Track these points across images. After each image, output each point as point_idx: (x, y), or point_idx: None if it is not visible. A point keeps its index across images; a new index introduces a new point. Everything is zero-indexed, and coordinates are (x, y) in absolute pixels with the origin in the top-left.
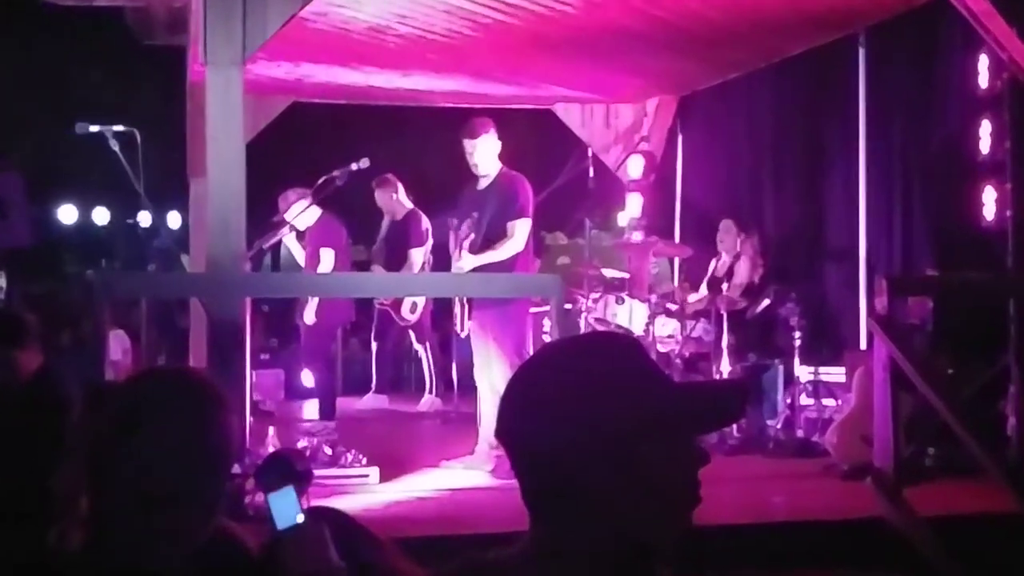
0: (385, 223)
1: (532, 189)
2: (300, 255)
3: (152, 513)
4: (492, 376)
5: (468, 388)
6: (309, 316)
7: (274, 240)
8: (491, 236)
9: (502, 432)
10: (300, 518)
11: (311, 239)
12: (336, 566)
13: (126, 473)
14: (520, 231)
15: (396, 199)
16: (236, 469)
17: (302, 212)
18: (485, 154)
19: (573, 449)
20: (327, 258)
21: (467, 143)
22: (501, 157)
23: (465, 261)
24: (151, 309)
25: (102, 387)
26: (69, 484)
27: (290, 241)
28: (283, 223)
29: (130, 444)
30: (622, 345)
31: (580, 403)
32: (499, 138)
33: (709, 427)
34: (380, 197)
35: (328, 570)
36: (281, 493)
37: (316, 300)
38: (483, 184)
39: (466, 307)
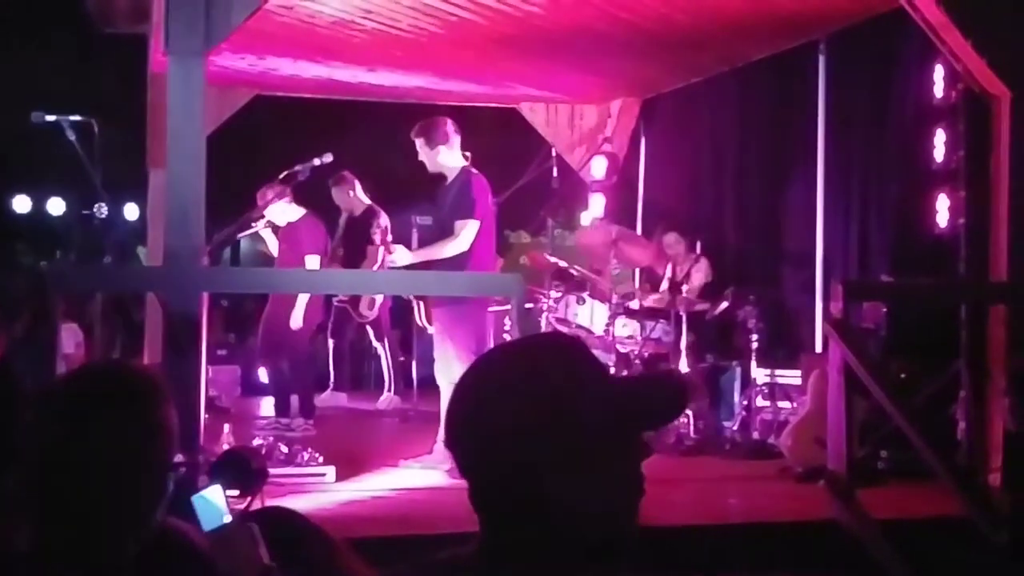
0: (343, 220)
1: (491, 191)
2: (274, 245)
3: (98, 511)
4: (452, 375)
5: (427, 386)
6: (296, 321)
7: (248, 233)
8: (441, 234)
9: (450, 436)
10: (227, 518)
11: (290, 239)
12: (266, 566)
13: (72, 472)
14: (465, 231)
15: (353, 196)
16: (179, 458)
17: (283, 211)
18: (427, 155)
19: (521, 451)
20: (312, 264)
21: (415, 142)
22: (469, 156)
23: (398, 255)
24: (106, 302)
25: (48, 387)
26: (17, 486)
27: (266, 234)
28: (260, 217)
29: (74, 444)
30: (565, 347)
31: (526, 406)
32: (462, 136)
33: (652, 426)
34: (337, 195)
35: (257, 569)
36: (207, 493)
37: (303, 305)
38: (447, 182)
39: (421, 303)
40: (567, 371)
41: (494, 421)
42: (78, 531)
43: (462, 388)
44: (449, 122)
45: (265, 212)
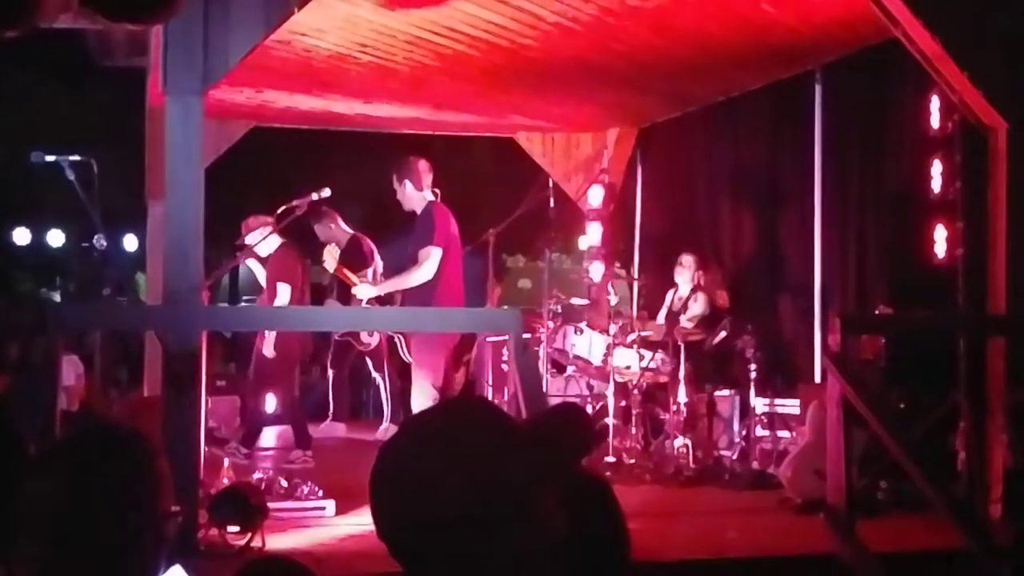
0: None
1: (450, 221)
2: (263, 276)
3: (107, 567)
4: (416, 404)
5: None
6: (268, 349)
7: (233, 265)
8: (409, 264)
9: (372, 508)
10: None
11: (268, 271)
12: None
13: (78, 534)
14: (428, 259)
15: (336, 228)
16: (175, 508)
17: (262, 240)
18: (399, 191)
19: (435, 517)
20: (283, 293)
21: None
22: (438, 193)
23: (359, 289)
24: (105, 335)
25: (46, 453)
26: (21, 549)
27: (253, 265)
28: (244, 248)
29: (79, 506)
30: (470, 410)
31: (434, 472)
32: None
33: (565, 468)
34: (320, 231)
35: None
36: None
37: (274, 334)
38: (417, 217)
39: (401, 337)
40: (472, 432)
41: (409, 490)
42: None
43: (379, 463)
44: (421, 161)
45: (247, 241)
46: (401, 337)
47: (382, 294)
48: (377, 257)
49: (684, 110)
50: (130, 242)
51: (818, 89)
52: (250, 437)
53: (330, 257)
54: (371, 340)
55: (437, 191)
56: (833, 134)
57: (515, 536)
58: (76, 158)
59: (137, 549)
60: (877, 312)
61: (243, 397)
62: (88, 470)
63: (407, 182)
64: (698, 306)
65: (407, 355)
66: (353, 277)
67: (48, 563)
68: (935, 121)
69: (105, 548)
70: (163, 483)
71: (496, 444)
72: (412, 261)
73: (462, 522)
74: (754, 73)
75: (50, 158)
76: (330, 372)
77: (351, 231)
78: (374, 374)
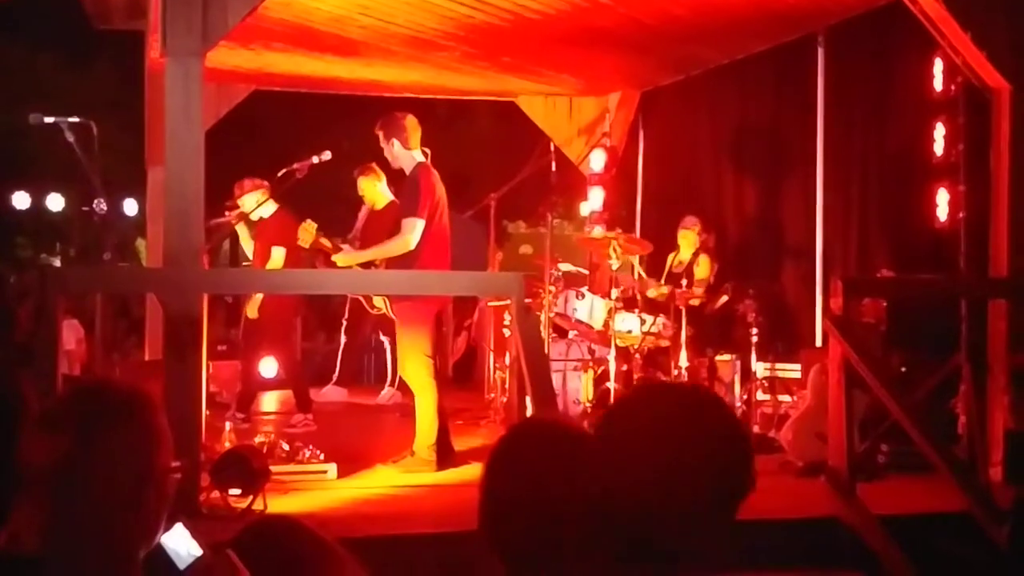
0: (363, 213)
1: (436, 186)
2: (249, 246)
3: (110, 523)
4: (404, 370)
5: None
6: (252, 311)
7: (218, 221)
8: (396, 231)
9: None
10: (197, 551)
11: (262, 234)
12: None
13: (82, 490)
14: (409, 229)
15: (379, 189)
16: (176, 463)
17: (259, 205)
18: (387, 150)
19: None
20: (277, 256)
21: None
22: (428, 153)
23: (340, 256)
24: (106, 299)
25: (47, 411)
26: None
27: (241, 231)
28: (233, 207)
29: (82, 462)
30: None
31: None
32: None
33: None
34: (363, 184)
35: None
36: (171, 534)
37: (259, 296)
38: (405, 178)
39: (386, 299)
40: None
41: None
42: (91, 544)
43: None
44: (407, 118)
45: (240, 202)
46: (387, 301)
47: (361, 261)
48: None
49: (687, 74)
50: (130, 207)
51: (820, 52)
52: (245, 401)
53: (305, 234)
54: (381, 306)
55: (427, 151)
56: (835, 97)
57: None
58: (75, 119)
59: (140, 506)
60: (879, 276)
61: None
62: (91, 426)
63: (394, 140)
64: (702, 269)
65: (392, 315)
66: (330, 246)
67: (50, 523)
68: (938, 84)
69: (108, 505)
70: (164, 440)
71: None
72: (397, 227)
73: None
74: (757, 36)
75: (49, 119)
76: (343, 337)
77: (392, 197)
78: (382, 338)
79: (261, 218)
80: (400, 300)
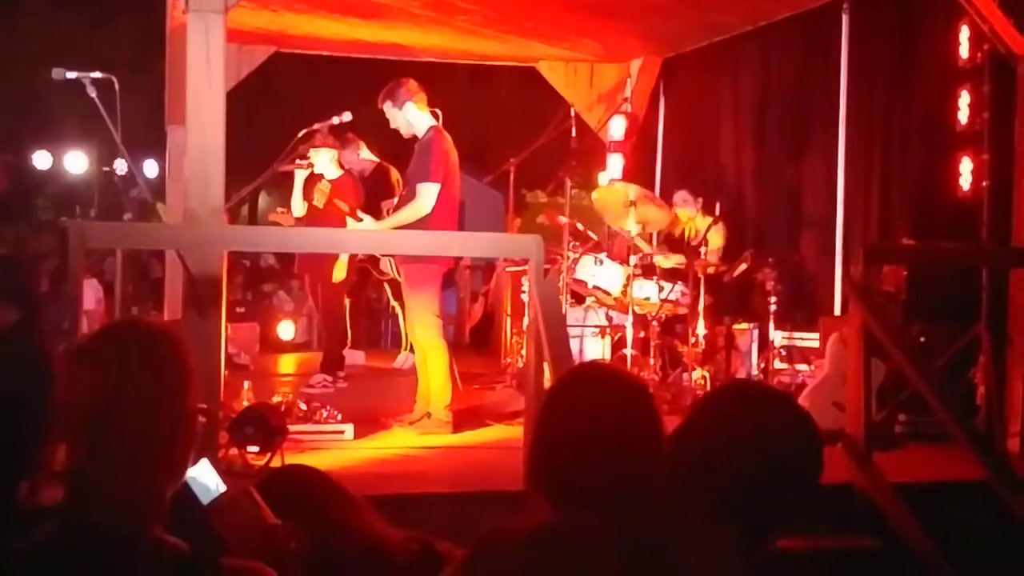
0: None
1: (449, 151)
2: (299, 202)
3: (141, 460)
4: (412, 332)
5: None
6: (340, 273)
7: (286, 168)
8: (409, 198)
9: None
10: (221, 487)
11: (335, 194)
12: (271, 525)
13: (116, 425)
14: (425, 194)
15: (361, 158)
16: (202, 406)
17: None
18: (396, 118)
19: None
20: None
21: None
22: (439, 115)
23: (359, 225)
24: (125, 259)
25: (80, 345)
26: (56, 444)
27: (297, 184)
28: (303, 157)
29: (116, 397)
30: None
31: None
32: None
33: None
34: (346, 157)
35: (262, 530)
36: (197, 469)
37: (345, 258)
38: (417, 142)
39: (392, 260)
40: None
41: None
42: (123, 481)
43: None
44: (411, 81)
45: (311, 156)
46: (392, 261)
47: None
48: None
49: (710, 39)
50: (150, 167)
51: (845, 19)
52: (333, 361)
53: (319, 194)
54: (388, 271)
55: (438, 112)
56: (859, 65)
57: None
58: (98, 75)
59: (172, 443)
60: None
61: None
62: (125, 360)
63: (409, 104)
64: (718, 237)
65: (398, 276)
66: (347, 209)
67: (84, 461)
68: (964, 51)
69: (143, 441)
70: (195, 379)
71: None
72: (411, 193)
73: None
74: (781, 2)
75: (71, 74)
76: (346, 300)
77: (375, 159)
78: (392, 303)
79: (332, 179)
80: (408, 262)
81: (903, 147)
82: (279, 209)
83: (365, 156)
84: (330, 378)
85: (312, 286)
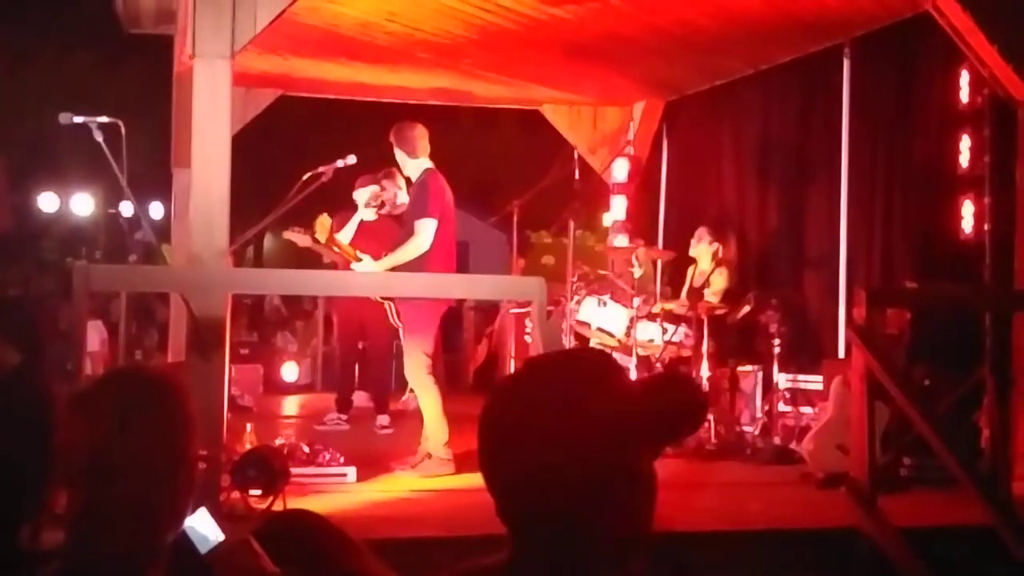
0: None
1: (445, 190)
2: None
3: (141, 506)
4: (409, 374)
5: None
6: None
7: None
8: (407, 236)
9: (481, 457)
10: (219, 536)
11: (367, 236)
12: (270, 574)
13: (116, 472)
14: (423, 230)
15: (398, 195)
16: (203, 452)
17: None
18: (400, 158)
19: (549, 473)
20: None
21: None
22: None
23: (358, 266)
24: (130, 301)
25: (81, 391)
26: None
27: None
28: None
29: (117, 443)
30: (593, 364)
31: (554, 428)
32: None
33: (673, 442)
34: (387, 187)
35: None
36: (194, 518)
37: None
38: (414, 184)
39: (391, 304)
40: (595, 392)
41: (522, 442)
42: (123, 527)
43: (492, 409)
44: (417, 126)
45: (356, 194)
46: (391, 305)
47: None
48: None
49: (712, 83)
50: (155, 209)
51: (846, 63)
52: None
53: (321, 228)
54: (390, 315)
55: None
56: (861, 108)
57: (622, 496)
58: (104, 119)
59: (171, 490)
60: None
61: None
62: (125, 408)
63: (406, 149)
64: (721, 280)
65: (396, 321)
66: (349, 250)
67: (84, 508)
68: (964, 95)
69: (142, 489)
70: (195, 426)
71: (615, 406)
72: (408, 232)
73: (576, 481)
74: (782, 46)
75: (79, 119)
76: (360, 343)
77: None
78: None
79: (369, 221)
80: (405, 306)
81: (905, 190)
82: (295, 228)
83: (401, 197)
84: (344, 417)
85: (345, 326)
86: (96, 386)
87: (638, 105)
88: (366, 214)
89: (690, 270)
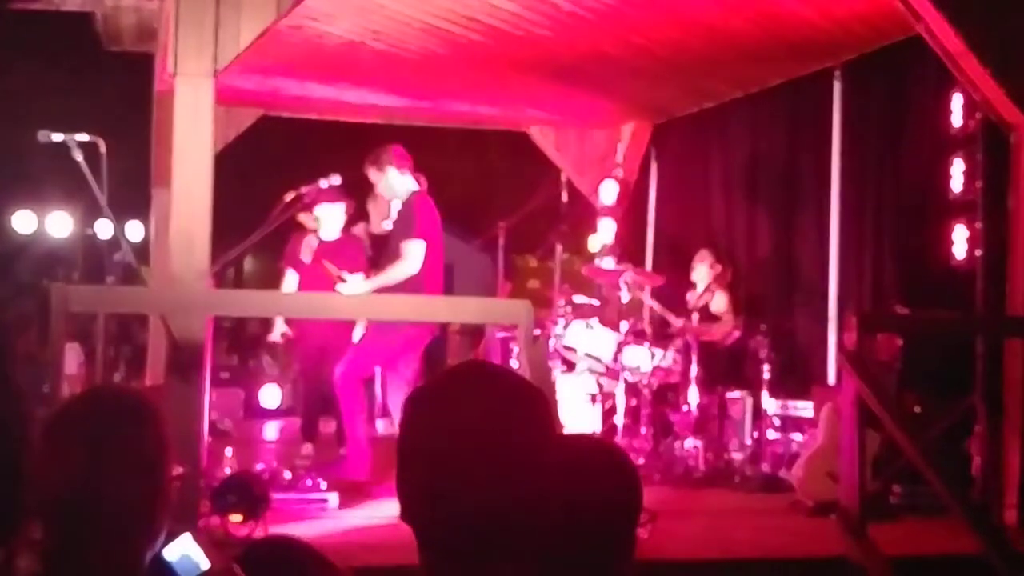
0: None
1: (434, 212)
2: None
3: (117, 529)
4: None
5: None
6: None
7: (285, 205)
8: (393, 259)
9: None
10: (205, 565)
11: (326, 255)
12: None
13: (92, 494)
14: (411, 251)
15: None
16: (178, 470)
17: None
18: (379, 182)
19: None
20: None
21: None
22: (423, 181)
23: (343, 287)
24: (108, 323)
25: (56, 414)
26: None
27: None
28: (309, 207)
29: (92, 466)
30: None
31: (455, 452)
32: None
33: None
34: (374, 209)
35: None
36: (177, 544)
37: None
38: (400, 208)
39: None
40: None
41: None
42: (99, 552)
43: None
44: (398, 148)
45: (316, 210)
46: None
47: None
48: None
49: (701, 106)
50: (133, 229)
51: (837, 87)
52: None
53: (307, 249)
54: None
55: (422, 179)
56: (852, 132)
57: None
58: (84, 137)
59: (147, 513)
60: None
61: (249, 390)
62: (99, 433)
63: (390, 168)
64: (721, 302)
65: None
66: (336, 271)
67: (60, 536)
68: (956, 120)
69: (116, 513)
70: (169, 450)
71: (534, 442)
72: (394, 255)
73: (487, 505)
74: (773, 69)
75: (57, 137)
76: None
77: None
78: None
79: (333, 239)
80: (378, 332)
81: (896, 215)
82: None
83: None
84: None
85: (303, 349)
86: (69, 410)
87: (626, 127)
88: (330, 233)
89: (690, 296)
